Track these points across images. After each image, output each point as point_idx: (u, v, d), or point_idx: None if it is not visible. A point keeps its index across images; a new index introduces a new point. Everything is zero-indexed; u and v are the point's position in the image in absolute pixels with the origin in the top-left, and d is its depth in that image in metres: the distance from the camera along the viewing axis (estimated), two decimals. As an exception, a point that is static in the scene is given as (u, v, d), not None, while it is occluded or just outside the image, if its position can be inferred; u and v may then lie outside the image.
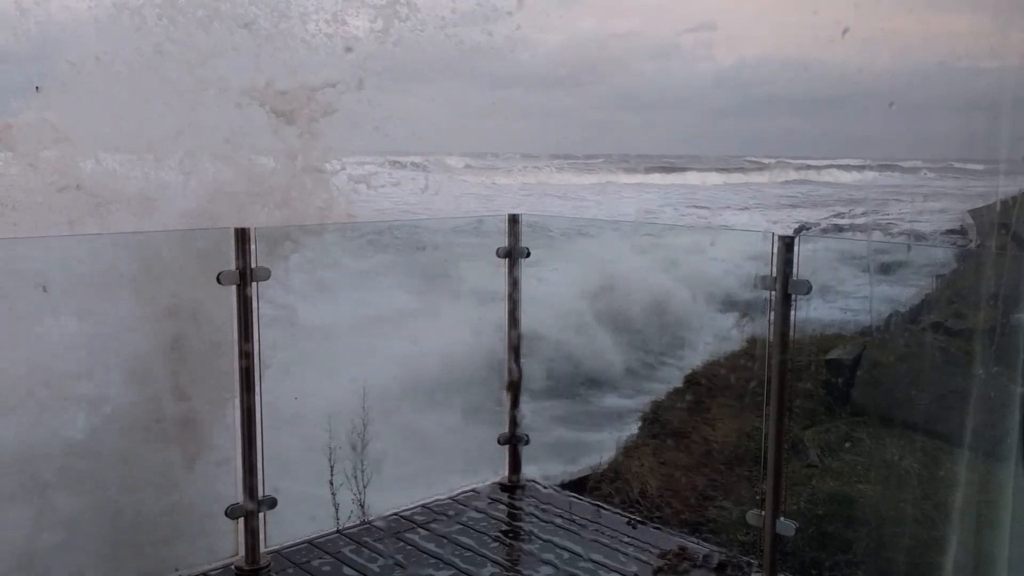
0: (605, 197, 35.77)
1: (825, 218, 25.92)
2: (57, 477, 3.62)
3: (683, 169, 49.84)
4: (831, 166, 53.06)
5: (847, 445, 5.04)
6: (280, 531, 3.63)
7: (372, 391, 4.32)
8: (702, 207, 31.69)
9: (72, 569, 3.68)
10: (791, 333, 3.28)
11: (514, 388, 4.37)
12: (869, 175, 51.10)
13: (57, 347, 3.71)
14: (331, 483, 4.14)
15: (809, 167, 52.62)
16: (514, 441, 4.41)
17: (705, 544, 3.89)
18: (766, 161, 56.86)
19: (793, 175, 49.74)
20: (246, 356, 3.36)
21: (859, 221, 24.66)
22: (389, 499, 4.06)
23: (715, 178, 46.74)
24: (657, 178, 46.10)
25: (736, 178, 47.51)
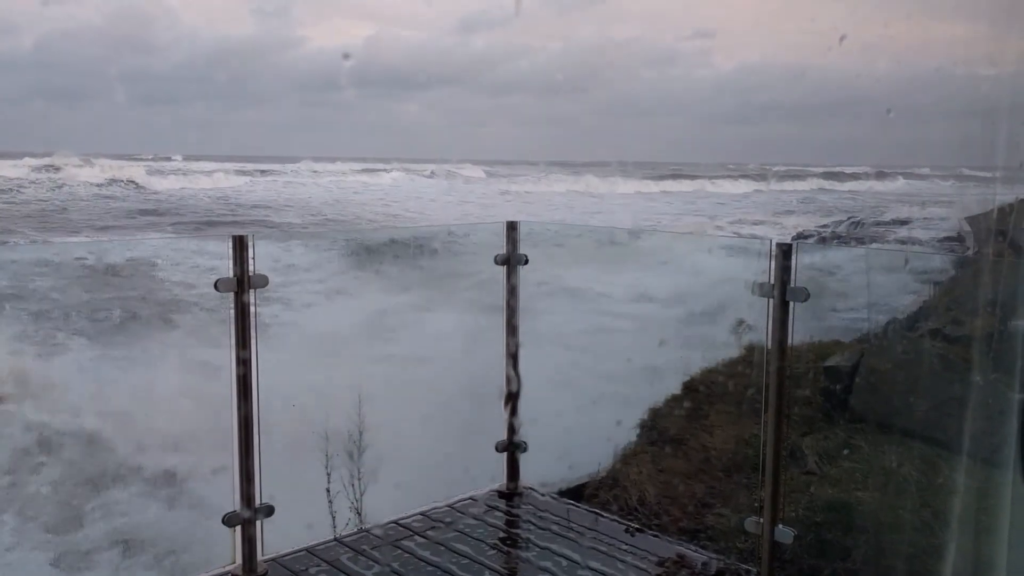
0: (608, 204, 35.97)
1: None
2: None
3: (692, 176, 50.10)
4: (845, 173, 53.18)
5: (845, 452, 5.04)
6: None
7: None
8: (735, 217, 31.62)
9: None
10: (789, 340, 3.28)
11: (512, 396, 4.37)
12: (893, 183, 51.09)
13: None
14: (328, 490, 4.14)
15: (829, 175, 52.70)
16: (512, 448, 4.40)
17: (703, 552, 3.89)
18: (776, 168, 56.92)
19: (822, 183, 49.66)
20: (243, 364, 3.36)
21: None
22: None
23: (724, 185, 47.00)
24: (668, 185, 46.44)
25: (742, 185, 47.60)
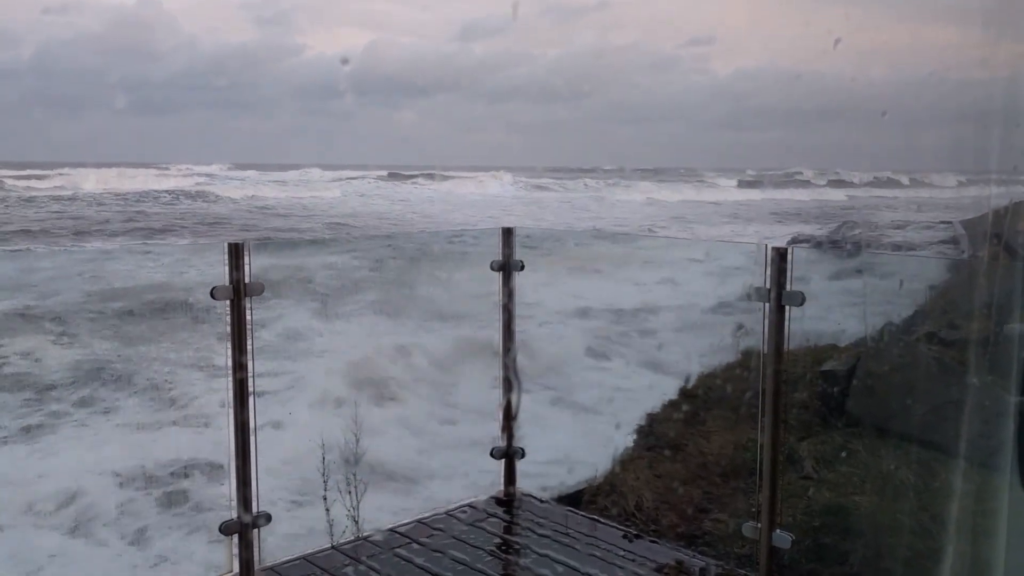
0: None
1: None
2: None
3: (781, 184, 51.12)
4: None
5: (843, 455, 5.04)
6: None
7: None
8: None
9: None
10: (785, 344, 3.28)
11: (509, 402, 4.36)
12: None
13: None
14: (324, 498, 4.12)
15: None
16: (509, 455, 4.39)
17: (701, 557, 3.88)
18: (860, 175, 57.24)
19: (916, 192, 49.65)
20: (241, 368, 3.36)
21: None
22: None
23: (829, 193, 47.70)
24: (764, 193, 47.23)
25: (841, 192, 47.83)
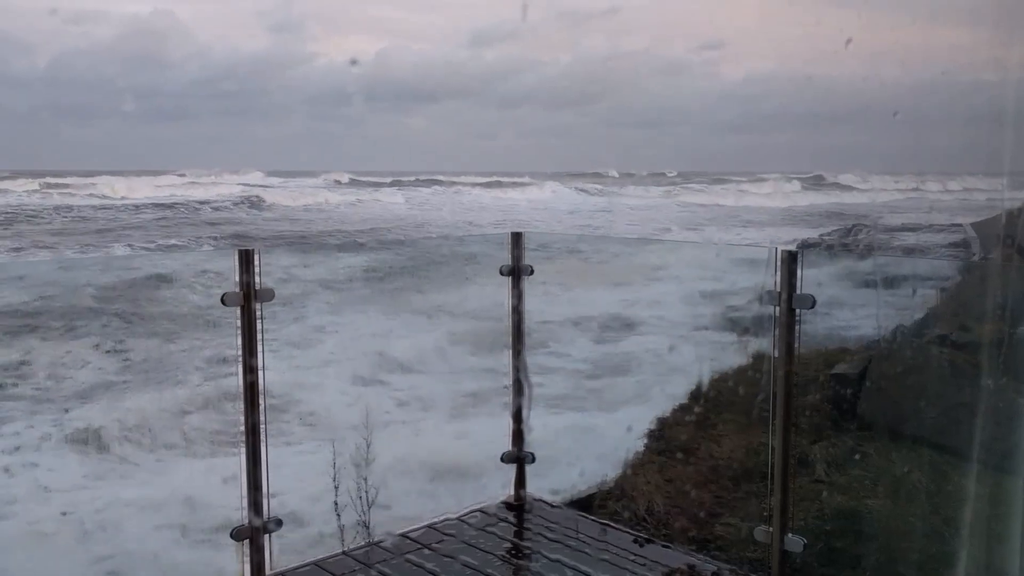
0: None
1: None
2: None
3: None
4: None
5: (855, 458, 5.01)
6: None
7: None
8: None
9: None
10: (796, 347, 3.27)
11: (519, 406, 4.36)
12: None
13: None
14: (335, 503, 4.13)
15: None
16: (520, 459, 4.39)
17: (713, 562, 3.87)
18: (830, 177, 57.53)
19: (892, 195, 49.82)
20: (251, 371, 3.36)
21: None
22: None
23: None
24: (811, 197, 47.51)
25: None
